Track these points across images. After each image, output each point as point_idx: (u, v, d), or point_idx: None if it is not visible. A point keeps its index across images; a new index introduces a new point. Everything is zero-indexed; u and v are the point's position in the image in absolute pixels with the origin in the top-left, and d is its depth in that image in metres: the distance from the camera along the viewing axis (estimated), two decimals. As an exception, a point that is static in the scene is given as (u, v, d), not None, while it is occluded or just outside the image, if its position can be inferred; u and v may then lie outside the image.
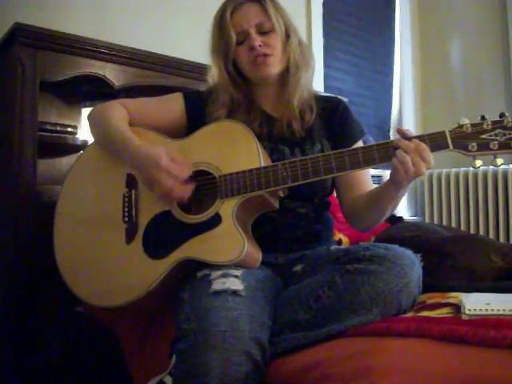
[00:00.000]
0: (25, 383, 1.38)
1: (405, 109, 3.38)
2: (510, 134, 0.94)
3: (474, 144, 0.96)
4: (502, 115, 0.96)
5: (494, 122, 0.95)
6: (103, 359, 1.50)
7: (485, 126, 0.96)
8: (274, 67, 1.19)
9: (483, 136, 0.96)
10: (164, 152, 1.04)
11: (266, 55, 1.17)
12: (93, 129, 1.24)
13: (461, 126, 0.97)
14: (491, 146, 0.95)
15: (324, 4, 2.85)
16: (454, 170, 3.01)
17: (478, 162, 0.97)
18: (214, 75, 1.25)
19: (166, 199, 1.07)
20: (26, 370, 1.39)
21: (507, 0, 3.05)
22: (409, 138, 0.99)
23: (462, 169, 2.99)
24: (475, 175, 2.94)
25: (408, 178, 0.97)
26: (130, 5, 2.00)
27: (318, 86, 2.73)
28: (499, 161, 0.96)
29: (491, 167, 2.87)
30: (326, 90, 2.68)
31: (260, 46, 1.16)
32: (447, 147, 0.97)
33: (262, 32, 1.18)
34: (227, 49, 1.19)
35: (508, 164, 2.85)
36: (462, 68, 3.29)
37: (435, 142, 0.97)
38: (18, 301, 1.39)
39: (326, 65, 2.85)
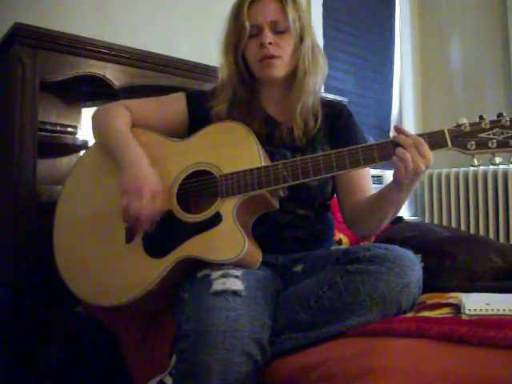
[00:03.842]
0: (25, 383, 1.39)
1: (405, 109, 3.38)
2: (508, 132, 0.95)
3: (473, 142, 0.97)
4: (499, 115, 0.97)
5: (492, 122, 0.97)
6: (103, 359, 1.50)
7: (483, 125, 0.97)
8: (280, 70, 1.18)
9: (481, 135, 0.97)
10: (151, 186, 1.05)
11: (273, 57, 1.16)
12: (95, 131, 1.24)
13: (459, 125, 0.98)
14: (490, 145, 0.96)
15: (324, 4, 2.85)
16: (454, 169, 3.01)
17: (476, 161, 0.99)
18: (221, 66, 1.24)
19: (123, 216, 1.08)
20: (27, 370, 1.39)
21: (507, 0, 3.06)
22: (407, 135, 0.99)
23: (462, 169, 2.99)
24: (475, 175, 2.95)
25: (408, 175, 0.97)
26: (130, 5, 2.00)
27: (318, 86, 2.73)
28: (497, 159, 0.97)
29: (491, 167, 2.87)
30: (325, 90, 2.67)
31: (270, 43, 1.15)
32: (446, 145, 0.98)
33: (276, 31, 1.17)
34: (239, 39, 1.18)
35: (508, 164, 2.85)
36: (462, 68, 3.29)
37: (434, 140, 0.98)
38: (18, 301, 1.39)
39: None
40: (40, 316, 1.42)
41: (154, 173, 1.09)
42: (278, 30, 1.17)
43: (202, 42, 1.27)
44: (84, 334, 1.50)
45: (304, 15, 1.21)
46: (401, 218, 1.93)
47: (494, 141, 0.95)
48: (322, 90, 2.68)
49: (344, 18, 3.08)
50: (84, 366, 1.50)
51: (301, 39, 1.19)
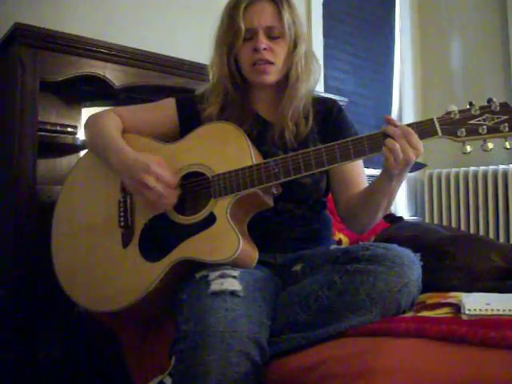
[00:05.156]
0: (25, 383, 1.39)
1: (405, 109, 3.38)
2: (498, 118, 0.95)
3: (463, 129, 0.96)
4: (489, 100, 0.96)
5: (481, 108, 0.96)
6: (103, 359, 1.50)
7: (473, 112, 0.96)
8: (272, 76, 1.18)
9: (472, 121, 0.96)
10: (153, 158, 1.06)
11: (266, 62, 1.16)
12: (87, 138, 1.25)
13: (449, 113, 0.98)
14: (480, 131, 0.95)
15: (324, 4, 2.85)
16: (453, 169, 3.00)
17: (468, 148, 0.98)
18: (212, 64, 1.23)
19: (155, 204, 1.07)
20: (26, 369, 1.39)
21: (507, 0, 3.06)
22: (396, 126, 0.99)
23: (462, 169, 2.98)
24: (475, 175, 2.94)
25: (398, 166, 0.97)
26: (130, 5, 2.00)
27: (318, 86, 2.73)
28: (489, 145, 0.96)
29: (491, 167, 2.87)
30: (326, 90, 2.68)
31: (265, 49, 1.15)
32: (436, 134, 0.97)
33: (271, 36, 1.16)
34: (233, 41, 1.17)
35: (508, 164, 2.86)
36: (462, 68, 3.29)
37: (424, 128, 0.98)
38: (18, 301, 1.39)
39: (326, 65, 2.84)
40: (40, 316, 1.42)
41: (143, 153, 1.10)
42: (273, 36, 1.16)
43: (202, 42, 1.27)
44: (84, 333, 1.50)
45: (299, 20, 1.20)
46: (401, 218, 1.93)
47: (485, 127, 0.95)
48: (322, 89, 2.69)
49: (344, 17, 3.08)
50: (84, 366, 1.50)
51: (295, 45, 1.19)
